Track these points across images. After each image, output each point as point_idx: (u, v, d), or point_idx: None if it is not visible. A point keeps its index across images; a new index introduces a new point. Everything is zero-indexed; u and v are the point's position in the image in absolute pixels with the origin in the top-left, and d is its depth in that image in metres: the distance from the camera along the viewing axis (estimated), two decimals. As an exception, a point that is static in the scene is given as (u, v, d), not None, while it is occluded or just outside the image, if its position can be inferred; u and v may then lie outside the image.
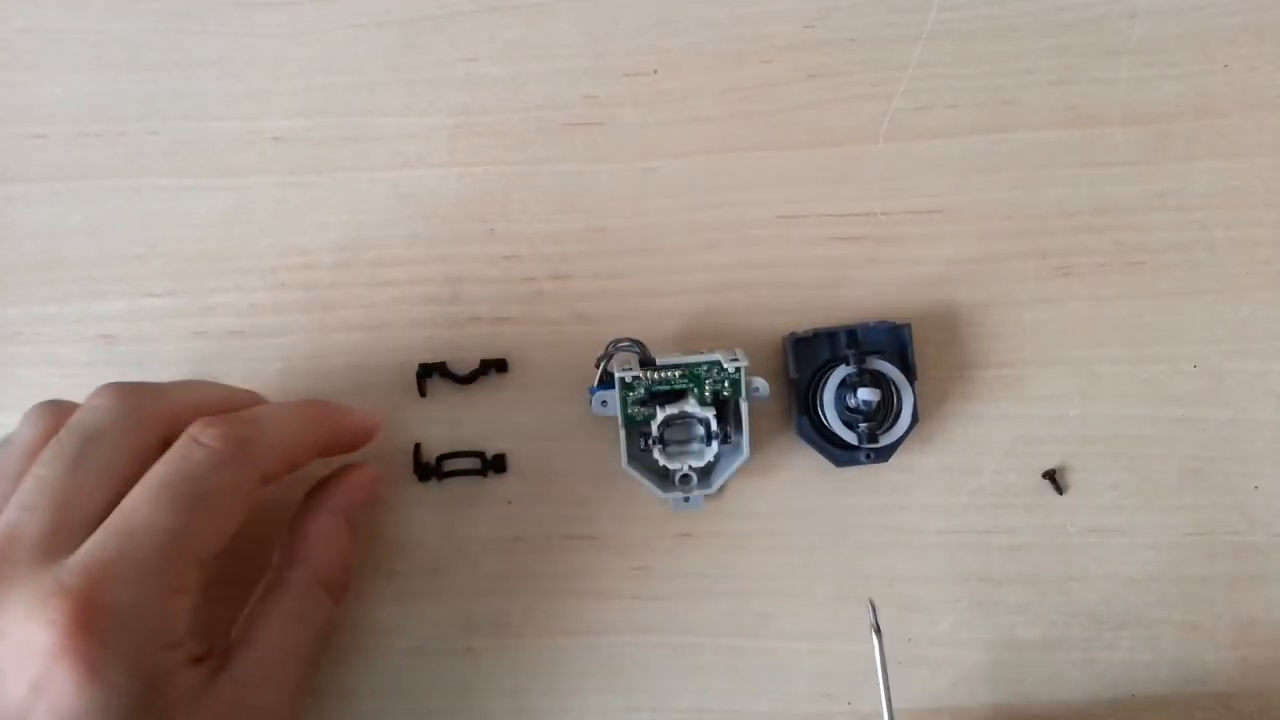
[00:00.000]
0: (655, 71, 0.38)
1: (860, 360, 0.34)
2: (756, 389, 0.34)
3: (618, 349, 0.34)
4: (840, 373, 0.34)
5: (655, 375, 0.34)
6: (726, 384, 0.34)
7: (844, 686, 0.36)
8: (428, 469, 0.36)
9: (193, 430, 0.28)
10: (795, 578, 0.36)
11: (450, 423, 0.37)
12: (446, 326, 0.37)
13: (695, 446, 0.34)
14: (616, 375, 0.34)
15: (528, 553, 0.36)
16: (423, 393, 0.36)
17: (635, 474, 0.34)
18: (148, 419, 0.29)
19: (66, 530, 0.26)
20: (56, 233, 0.38)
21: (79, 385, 0.37)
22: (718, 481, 0.35)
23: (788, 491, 0.36)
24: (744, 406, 0.34)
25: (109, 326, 0.37)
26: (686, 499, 0.35)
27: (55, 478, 0.27)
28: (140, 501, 0.27)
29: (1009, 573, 0.36)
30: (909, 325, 0.35)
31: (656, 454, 0.33)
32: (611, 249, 0.37)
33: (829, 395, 0.34)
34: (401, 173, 0.38)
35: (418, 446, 0.36)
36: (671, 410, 0.33)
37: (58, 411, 0.30)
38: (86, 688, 0.24)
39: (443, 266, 0.37)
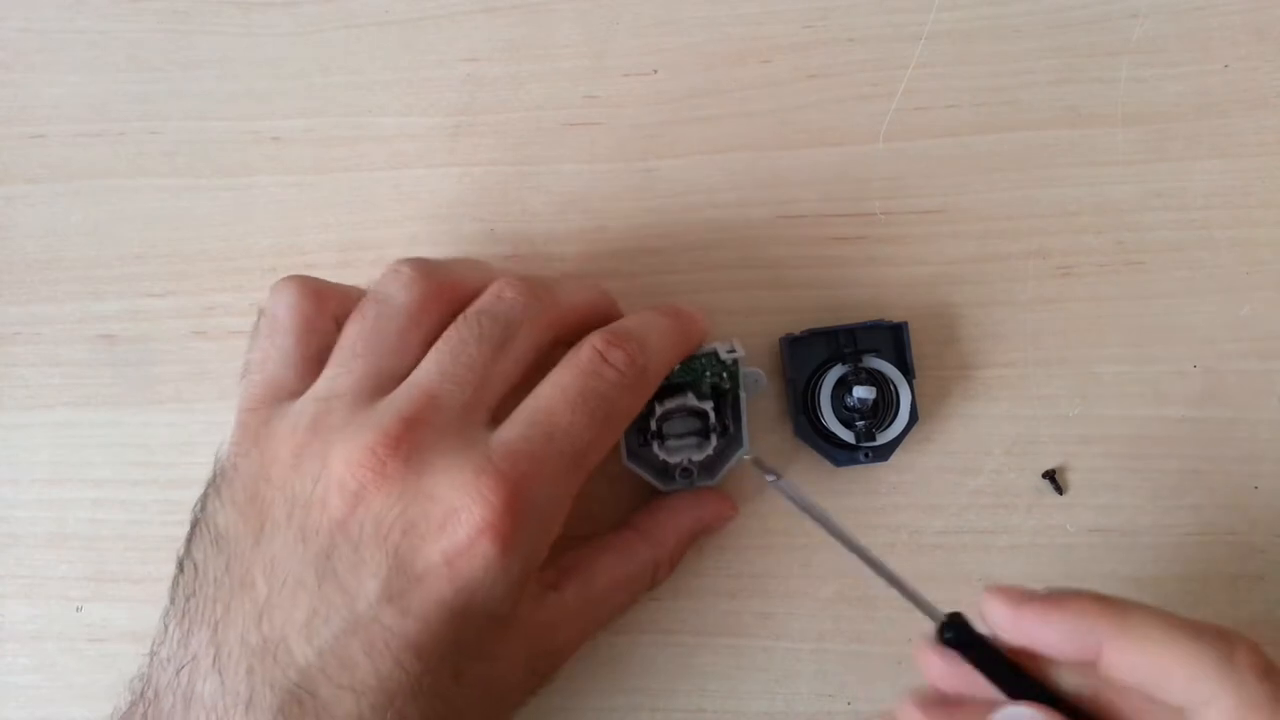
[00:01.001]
0: (655, 71, 0.38)
1: (856, 359, 0.34)
2: (755, 379, 0.34)
3: None
4: (837, 372, 0.34)
5: None
6: (725, 376, 0.34)
7: (844, 686, 0.36)
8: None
9: (600, 346, 0.30)
10: (795, 578, 0.36)
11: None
12: (446, 326, 0.37)
13: (695, 440, 0.34)
14: None
15: (528, 553, 0.36)
16: None
17: (637, 469, 0.34)
18: (552, 319, 0.31)
19: (482, 407, 0.29)
20: (56, 233, 0.38)
21: (79, 385, 0.37)
22: (719, 474, 0.35)
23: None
24: (743, 398, 0.34)
25: (109, 326, 0.37)
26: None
27: (480, 358, 0.29)
28: (562, 406, 0.29)
29: (1009, 573, 0.36)
30: (906, 324, 0.35)
31: (656, 449, 0.33)
32: (611, 249, 0.37)
33: (826, 395, 0.34)
34: (401, 173, 0.38)
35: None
36: (670, 404, 0.33)
37: (430, 273, 0.31)
38: (495, 566, 0.27)
39: (443, 266, 0.37)
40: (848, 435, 0.34)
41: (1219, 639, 0.24)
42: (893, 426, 0.34)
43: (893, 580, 0.28)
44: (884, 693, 0.35)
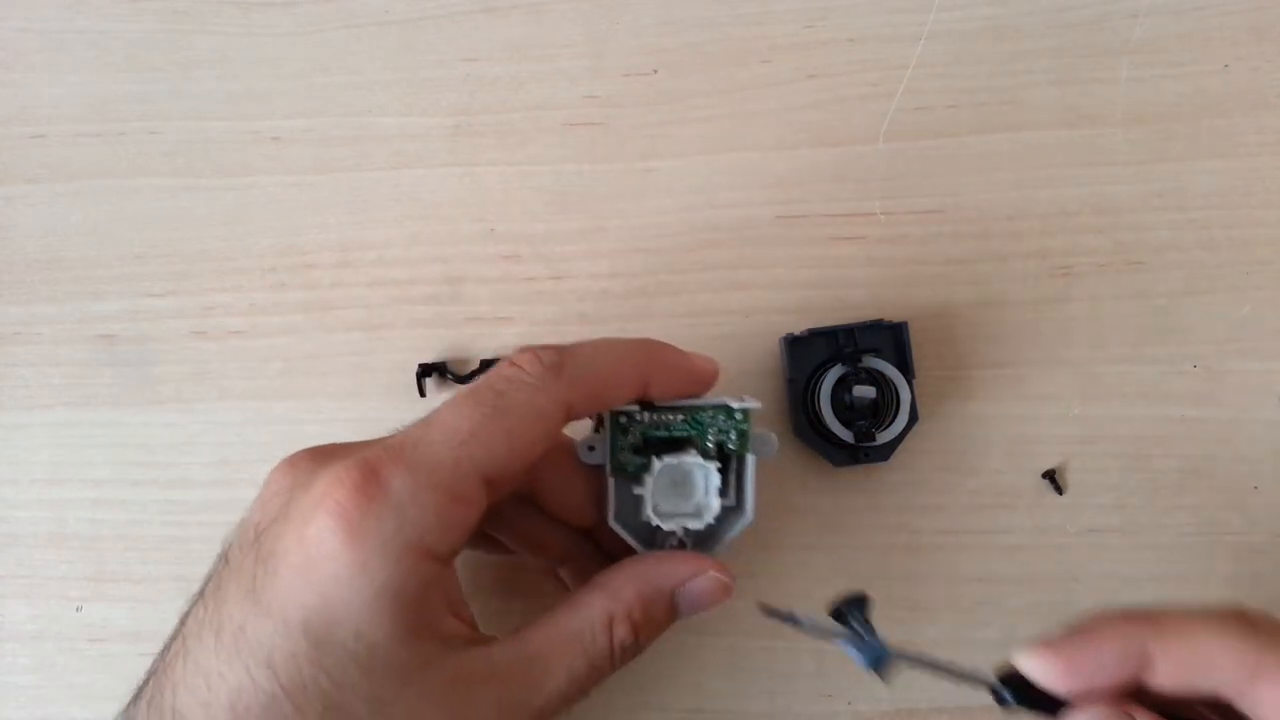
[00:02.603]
0: (655, 71, 0.38)
1: (856, 359, 0.34)
2: (765, 442, 0.30)
3: None
4: (836, 372, 0.34)
5: (653, 418, 0.30)
6: (733, 434, 0.30)
7: (844, 686, 0.36)
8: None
9: (512, 354, 0.29)
10: (795, 578, 0.36)
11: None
12: (446, 326, 0.37)
13: (693, 506, 0.30)
14: (608, 414, 0.30)
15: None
16: (422, 393, 0.36)
17: (622, 533, 0.30)
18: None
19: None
20: (56, 233, 0.38)
21: (79, 385, 0.37)
22: (718, 547, 0.31)
23: (787, 491, 0.36)
24: (750, 461, 0.29)
25: (109, 326, 0.37)
26: None
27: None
28: (449, 404, 0.27)
29: (1009, 573, 0.36)
30: (906, 324, 0.35)
31: (650, 513, 0.29)
32: (611, 249, 0.37)
33: (826, 395, 0.34)
34: (401, 173, 0.38)
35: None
36: (670, 461, 0.29)
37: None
38: (342, 548, 0.24)
39: (443, 266, 0.37)
40: (848, 435, 0.34)
41: (1234, 617, 0.24)
42: (893, 426, 0.34)
43: (942, 667, 0.26)
44: (884, 693, 0.36)
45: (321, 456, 0.27)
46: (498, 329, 0.37)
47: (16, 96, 0.39)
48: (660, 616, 0.29)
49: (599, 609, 0.28)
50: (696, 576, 0.29)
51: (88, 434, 0.37)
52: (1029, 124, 0.37)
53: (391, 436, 0.27)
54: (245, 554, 0.26)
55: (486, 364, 0.36)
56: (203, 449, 0.37)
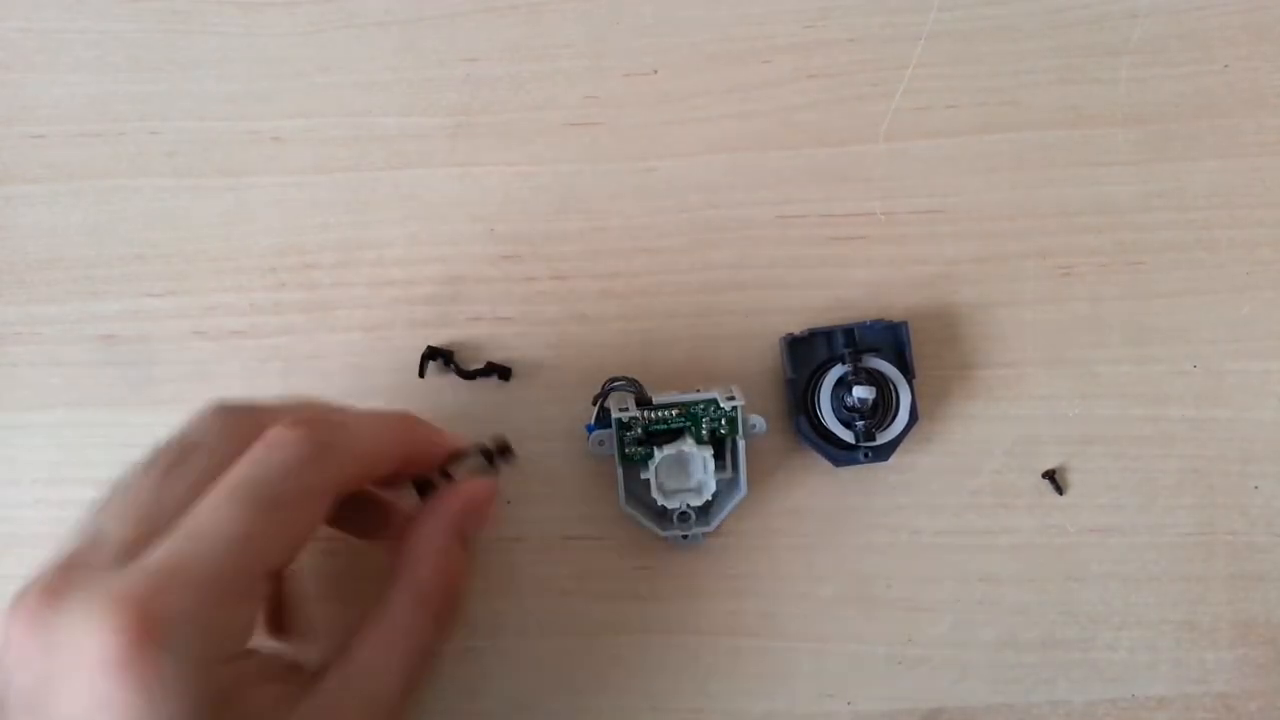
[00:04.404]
0: (655, 71, 0.38)
1: (856, 359, 0.34)
2: (754, 425, 0.34)
3: (613, 388, 0.34)
4: (836, 372, 0.34)
5: (652, 415, 0.33)
6: (724, 422, 0.33)
7: (844, 686, 0.36)
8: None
9: (271, 433, 0.27)
10: (795, 578, 0.36)
11: (448, 421, 0.36)
12: (446, 326, 0.37)
13: (693, 484, 0.34)
14: (613, 415, 0.33)
15: (527, 553, 0.36)
16: (422, 374, 0.36)
17: (634, 514, 0.34)
18: (244, 427, 0.27)
19: (147, 538, 0.25)
20: (56, 233, 0.38)
21: (79, 385, 0.37)
22: (716, 519, 0.35)
23: (787, 491, 0.36)
24: (741, 445, 0.34)
25: (109, 326, 0.37)
26: (685, 536, 0.35)
27: (143, 487, 0.26)
28: (210, 506, 0.25)
29: (1009, 573, 0.36)
30: (906, 323, 0.35)
31: (655, 494, 0.33)
32: (611, 249, 0.37)
33: (826, 394, 0.34)
34: (401, 173, 0.38)
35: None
36: (669, 450, 0.33)
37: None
38: (147, 701, 0.23)
39: (443, 266, 0.37)
40: (848, 435, 0.34)
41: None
42: (893, 426, 0.34)
43: None
44: (884, 693, 0.36)
45: (50, 596, 0.24)
46: (498, 329, 0.37)
47: (16, 96, 0.39)
48: (463, 562, 0.30)
49: (404, 594, 0.29)
50: (477, 506, 0.31)
51: (88, 434, 0.37)
52: (1029, 124, 0.37)
53: (150, 559, 0.24)
54: None
55: (493, 367, 0.36)
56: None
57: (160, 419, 0.37)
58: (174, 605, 0.23)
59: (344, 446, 0.28)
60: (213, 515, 0.25)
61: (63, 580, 0.24)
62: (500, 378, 0.36)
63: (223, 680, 0.24)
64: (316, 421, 0.28)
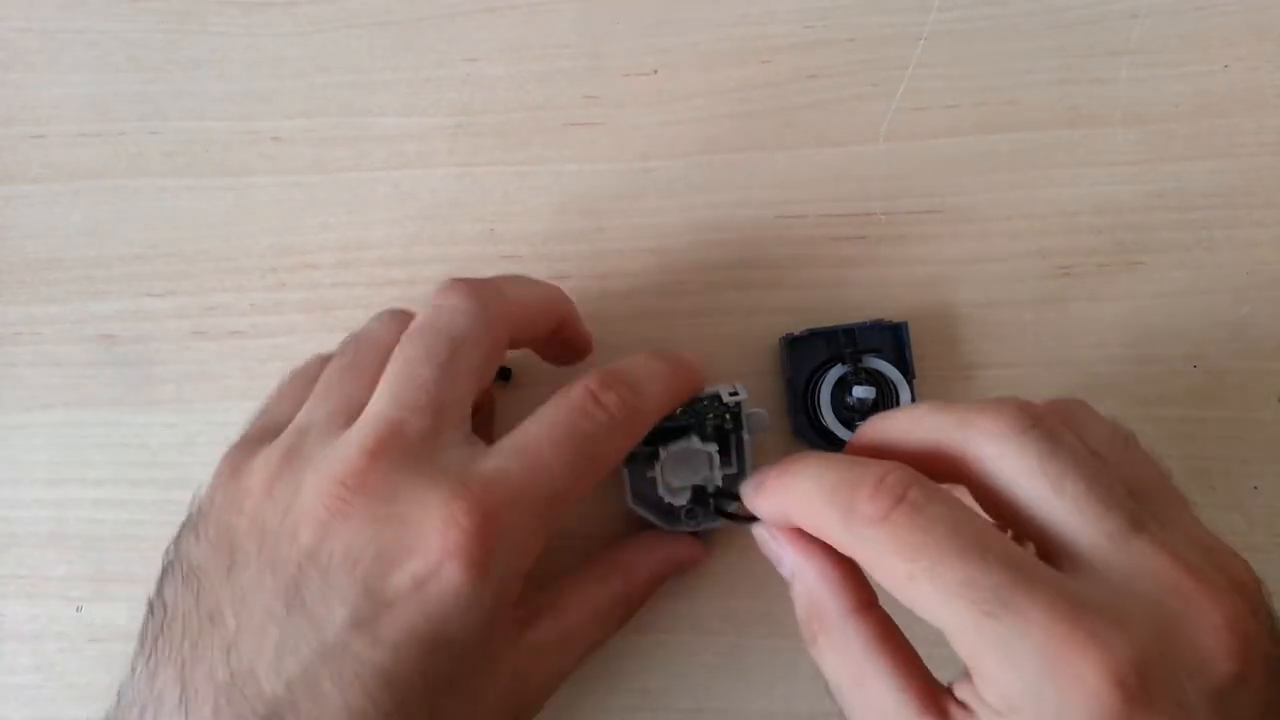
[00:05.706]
0: (655, 71, 0.38)
1: (856, 359, 0.34)
2: (759, 420, 0.34)
3: None
4: (836, 372, 0.34)
5: None
6: (727, 417, 0.33)
7: (844, 686, 0.36)
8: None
9: (593, 387, 0.29)
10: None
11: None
12: (446, 326, 0.37)
13: (700, 479, 0.34)
14: None
15: (528, 553, 0.36)
16: None
17: (641, 511, 0.34)
18: (498, 321, 0.30)
19: (448, 429, 0.28)
20: (56, 233, 0.38)
21: (79, 385, 0.37)
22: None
23: (788, 491, 0.36)
24: (746, 440, 0.33)
25: (109, 326, 0.37)
26: (694, 533, 0.35)
27: (432, 380, 0.28)
28: (548, 443, 0.28)
29: (1009, 573, 0.36)
30: (906, 323, 0.35)
31: (662, 491, 0.33)
32: (611, 249, 0.37)
33: (826, 395, 0.34)
34: (401, 173, 0.38)
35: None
36: (674, 448, 0.33)
37: (405, 319, 0.31)
38: (466, 592, 0.26)
39: (443, 266, 0.37)
40: (848, 435, 0.34)
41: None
42: (893, 426, 0.34)
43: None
44: (884, 693, 0.35)
45: (293, 458, 0.28)
46: (498, 329, 0.37)
47: (16, 96, 0.39)
48: (655, 589, 0.34)
49: (619, 588, 0.33)
50: (690, 558, 0.35)
51: (88, 434, 0.37)
52: (1029, 124, 0.37)
53: (491, 469, 0.27)
54: (329, 577, 0.26)
55: (502, 372, 0.36)
56: (203, 449, 0.37)
57: (160, 419, 0.37)
58: (510, 521, 0.27)
59: (646, 414, 0.31)
60: (551, 455, 0.28)
61: (381, 459, 0.27)
62: (500, 378, 0.36)
63: (515, 593, 0.28)
64: (628, 387, 0.30)
